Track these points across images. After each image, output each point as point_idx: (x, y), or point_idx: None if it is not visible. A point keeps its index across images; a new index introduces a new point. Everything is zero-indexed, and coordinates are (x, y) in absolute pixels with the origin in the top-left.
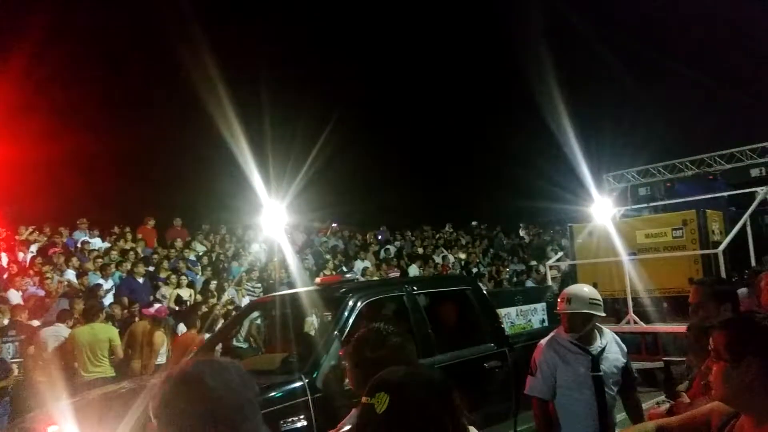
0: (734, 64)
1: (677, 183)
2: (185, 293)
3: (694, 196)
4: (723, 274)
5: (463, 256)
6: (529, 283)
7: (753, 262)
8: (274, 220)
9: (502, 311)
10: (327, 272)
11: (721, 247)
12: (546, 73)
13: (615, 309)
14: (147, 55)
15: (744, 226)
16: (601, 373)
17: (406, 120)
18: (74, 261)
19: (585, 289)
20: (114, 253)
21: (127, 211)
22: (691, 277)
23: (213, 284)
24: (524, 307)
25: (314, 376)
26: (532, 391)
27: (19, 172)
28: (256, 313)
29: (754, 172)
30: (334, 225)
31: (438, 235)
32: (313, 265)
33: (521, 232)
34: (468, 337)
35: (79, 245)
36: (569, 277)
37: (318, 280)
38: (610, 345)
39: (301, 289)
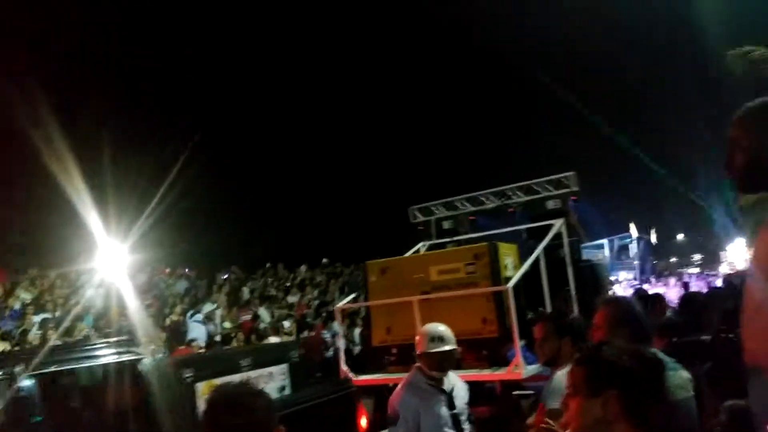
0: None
1: (480, 216)
2: None
3: (495, 230)
4: (513, 312)
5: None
6: None
7: (547, 298)
8: (112, 262)
9: (218, 382)
10: (174, 317)
11: (511, 283)
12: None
13: (411, 356)
14: None
15: (537, 260)
16: (457, 411)
17: (254, 159)
18: None
19: (441, 327)
20: None
21: None
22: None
23: (37, 334)
24: (254, 373)
25: None
26: None
27: None
28: None
29: (550, 205)
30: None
31: (292, 275)
32: (158, 310)
33: None
34: None
35: None
36: None
37: None
38: (456, 381)
39: None
